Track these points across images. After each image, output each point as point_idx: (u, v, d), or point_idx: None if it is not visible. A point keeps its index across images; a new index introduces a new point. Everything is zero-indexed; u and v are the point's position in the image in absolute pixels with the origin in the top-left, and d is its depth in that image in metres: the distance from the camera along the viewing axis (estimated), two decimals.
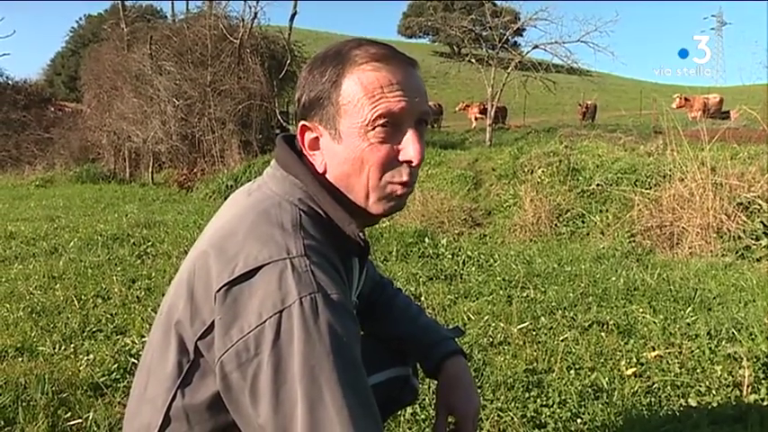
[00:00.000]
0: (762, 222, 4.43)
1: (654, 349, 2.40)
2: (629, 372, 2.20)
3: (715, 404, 1.96)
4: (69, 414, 1.90)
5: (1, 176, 14.15)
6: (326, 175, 0.88)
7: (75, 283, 3.55)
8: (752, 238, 4.39)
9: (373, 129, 0.82)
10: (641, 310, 2.94)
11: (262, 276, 0.74)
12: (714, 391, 2.04)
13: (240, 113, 12.07)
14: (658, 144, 6.91)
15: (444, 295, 3.26)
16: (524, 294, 3.28)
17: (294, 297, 0.72)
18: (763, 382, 2.07)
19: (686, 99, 15.56)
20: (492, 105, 11.96)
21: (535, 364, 2.30)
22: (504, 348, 2.49)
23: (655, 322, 2.72)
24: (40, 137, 16.22)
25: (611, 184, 5.84)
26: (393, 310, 1.21)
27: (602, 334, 2.62)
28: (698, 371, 2.20)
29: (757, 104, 7.51)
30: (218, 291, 0.75)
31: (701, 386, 2.08)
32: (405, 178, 0.85)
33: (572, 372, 2.22)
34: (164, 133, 12.21)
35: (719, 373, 2.15)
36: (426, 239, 4.69)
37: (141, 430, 0.85)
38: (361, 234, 0.87)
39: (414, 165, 0.85)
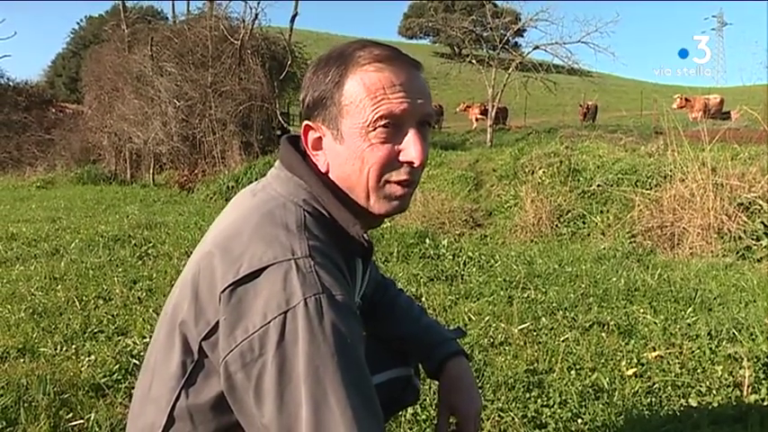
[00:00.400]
0: (762, 223, 4.43)
1: (654, 349, 2.41)
2: (630, 372, 2.20)
3: (715, 404, 1.97)
4: (71, 415, 1.90)
5: (2, 178, 14.15)
6: (329, 175, 0.88)
7: (77, 284, 3.55)
8: (752, 239, 4.39)
9: (374, 129, 0.82)
10: (642, 310, 2.94)
11: (266, 277, 0.74)
12: (714, 392, 2.04)
13: (241, 114, 12.08)
14: (659, 144, 6.92)
15: (445, 296, 3.26)
16: (525, 295, 3.29)
17: (299, 298, 0.72)
18: (763, 382, 2.08)
19: (687, 99, 15.55)
20: (493, 106, 11.96)
21: (536, 365, 2.30)
22: (504, 349, 2.49)
23: (655, 323, 2.72)
24: (41, 138, 16.23)
25: (611, 185, 5.84)
26: (395, 311, 1.21)
27: (603, 334, 2.63)
28: (698, 371, 2.21)
29: (758, 105, 7.50)
30: (223, 291, 0.75)
31: (701, 386, 2.08)
32: (404, 177, 0.85)
33: (573, 372, 2.22)
34: (165, 134, 12.22)
35: (720, 373, 2.15)
36: (427, 240, 4.69)
37: (145, 430, 0.86)
38: (365, 235, 0.87)
39: (415, 165, 0.85)
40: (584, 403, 1.97)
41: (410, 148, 0.84)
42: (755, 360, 2.20)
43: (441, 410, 1.11)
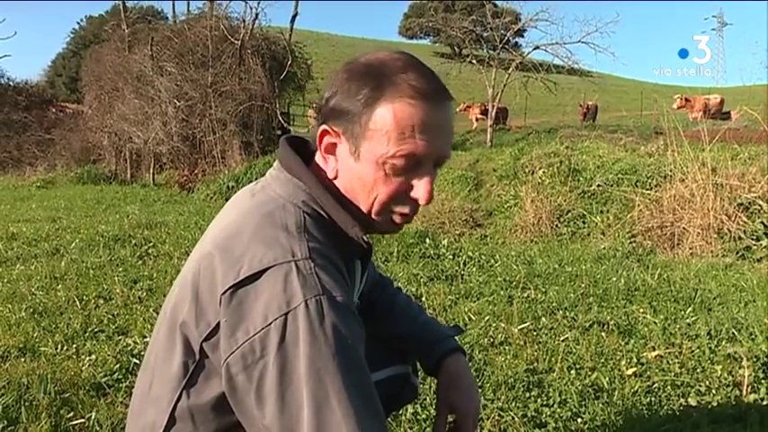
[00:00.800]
0: (762, 223, 4.43)
1: (654, 349, 2.41)
2: (630, 372, 2.20)
3: (715, 404, 1.97)
4: (72, 414, 1.91)
5: (2, 177, 14.15)
6: (336, 181, 0.88)
7: (77, 283, 3.55)
8: (752, 239, 4.39)
9: (392, 163, 0.83)
10: (642, 310, 2.94)
11: (267, 279, 0.74)
12: (714, 391, 2.04)
13: (241, 114, 12.09)
14: (659, 145, 6.92)
15: (445, 296, 3.26)
16: (525, 295, 3.29)
17: (299, 299, 0.73)
18: (762, 381, 2.08)
19: (687, 99, 15.55)
20: (493, 106, 11.95)
21: (536, 364, 2.30)
22: (504, 348, 2.50)
23: (655, 322, 2.73)
24: (41, 138, 16.24)
25: (611, 185, 5.85)
26: (394, 309, 1.21)
27: (603, 334, 2.63)
28: (698, 371, 2.21)
29: (758, 105, 7.50)
30: (224, 293, 0.76)
31: (700, 386, 2.08)
32: (406, 211, 0.88)
33: (572, 372, 2.22)
34: (165, 134, 12.23)
35: (719, 372, 2.15)
36: (427, 240, 4.70)
37: (146, 429, 0.86)
38: (364, 236, 0.88)
39: (421, 204, 0.87)
40: (583, 403, 1.97)
41: (421, 188, 0.85)
42: (755, 360, 2.21)
43: (439, 408, 1.10)
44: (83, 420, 1.86)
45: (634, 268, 3.96)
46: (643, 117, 15.28)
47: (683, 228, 4.70)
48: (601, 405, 1.95)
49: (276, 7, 18.62)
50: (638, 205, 5.16)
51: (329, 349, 0.71)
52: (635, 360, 2.32)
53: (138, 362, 2.24)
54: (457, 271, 3.86)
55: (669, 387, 2.09)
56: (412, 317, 1.20)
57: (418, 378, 1.22)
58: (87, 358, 2.36)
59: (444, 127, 0.85)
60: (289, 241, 0.78)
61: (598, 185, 5.92)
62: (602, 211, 5.58)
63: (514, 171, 7.19)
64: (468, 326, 2.73)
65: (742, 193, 4.68)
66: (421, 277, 3.62)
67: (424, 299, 3.19)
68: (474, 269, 3.94)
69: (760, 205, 4.55)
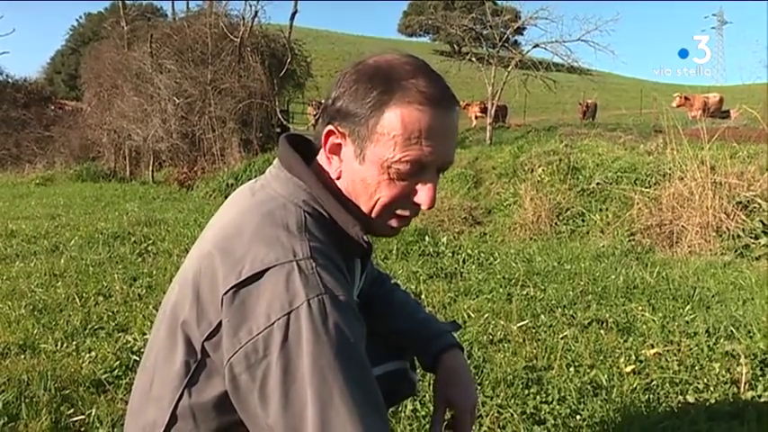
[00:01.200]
0: (761, 221, 4.44)
1: (653, 347, 2.42)
2: (628, 369, 2.21)
3: (713, 401, 1.98)
4: (72, 410, 1.92)
5: (1, 175, 14.14)
6: (338, 181, 0.89)
7: (77, 280, 3.56)
8: (751, 237, 4.40)
9: (397, 167, 0.83)
10: (640, 308, 2.95)
11: (269, 279, 0.75)
12: (712, 388, 2.05)
13: (240, 112, 12.08)
14: (658, 143, 6.92)
15: (444, 293, 3.27)
16: (524, 292, 3.30)
17: (302, 299, 0.73)
18: (760, 379, 2.09)
19: (686, 98, 15.53)
20: (492, 104, 11.94)
21: (535, 362, 2.31)
22: (503, 346, 2.50)
23: (654, 320, 2.73)
24: (40, 135, 16.21)
25: (611, 183, 5.85)
26: (392, 305, 1.21)
27: (602, 332, 2.64)
28: (696, 368, 2.22)
29: (757, 104, 7.49)
30: (226, 293, 0.76)
31: (699, 383, 2.09)
32: (407, 214, 0.89)
33: (571, 369, 2.23)
34: (164, 132, 12.22)
35: (717, 370, 2.16)
36: (427, 238, 4.70)
37: (147, 428, 0.86)
38: (364, 236, 0.88)
39: (423, 209, 0.88)
40: (582, 400, 1.98)
41: (424, 193, 0.86)
42: (753, 357, 2.22)
43: (437, 403, 1.10)
44: (83, 417, 1.87)
45: (633, 266, 3.97)
46: (642, 115, 15.28)
47: (682, 226, 4.70)
48: (599, 402, 1.96)
49: (276, 5, 18.56)
50: (638, 203, 5.16)
51: (332, 348, 0.72)
52: (634, 357, 2.33)
53: (137, 359, 2.24)
54: (456, 269, 3.86)
55: (667, 384, 2.10)
56: (410, 313, 1.20)
57: (416, 374, 1.22)
58: (87, 355, 2.37)
59: (450, 133, 0.86)
60: (290, 241, 0.78)
61: (597, 184, 5.93)
62: (601, 210, 5.59)
63: (514, 169, 7.19)
64: (468, 323, 2.74)
65: (741, 191, 4.68)
66: (420, 275, 3.63)
67: (423, 296, 3.19)
68: (473, 267, 3.94)
69: (759, 204, 4.56)
